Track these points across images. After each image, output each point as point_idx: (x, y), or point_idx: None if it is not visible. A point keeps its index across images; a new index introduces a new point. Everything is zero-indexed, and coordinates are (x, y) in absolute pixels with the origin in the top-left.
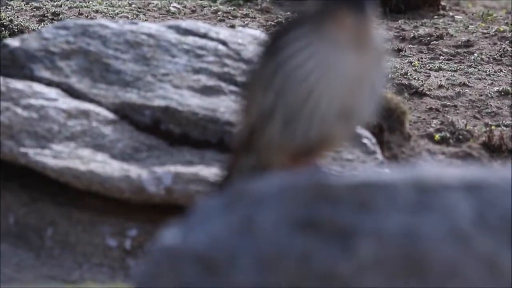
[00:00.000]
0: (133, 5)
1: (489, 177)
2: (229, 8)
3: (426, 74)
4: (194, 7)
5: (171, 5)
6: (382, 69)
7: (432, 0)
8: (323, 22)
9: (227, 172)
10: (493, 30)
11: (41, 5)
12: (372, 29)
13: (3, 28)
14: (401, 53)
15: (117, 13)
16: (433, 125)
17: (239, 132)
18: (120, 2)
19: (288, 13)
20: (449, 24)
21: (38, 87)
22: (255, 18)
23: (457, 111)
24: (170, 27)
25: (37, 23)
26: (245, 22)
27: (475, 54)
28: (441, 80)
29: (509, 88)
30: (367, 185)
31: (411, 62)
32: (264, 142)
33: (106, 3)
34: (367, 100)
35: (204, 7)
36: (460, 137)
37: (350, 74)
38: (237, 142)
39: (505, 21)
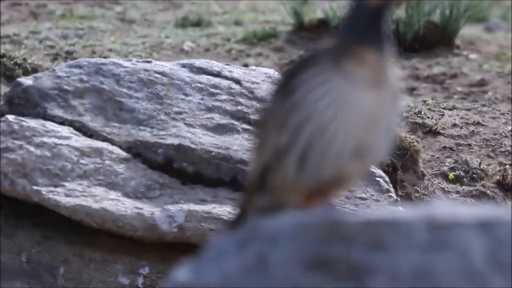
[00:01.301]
0: (146, 44)
1: (503, 215)
2: (243, 47)
3: (440, 113)
4: (207, 45)
5: (185, 43)
6: (398, 108)
7: (447, 39)
8: (340, 59)
9: (241, 210)
10: (507, 69)
11: (55, 44)
12: (389, 67)
13: (17, 67)
14: (415, 91)
15: (131, 52)
16: (447, 163)
17: (252, 170)
18: (133, 40)
19: (302, 51)
20: (463, 63)
21: (51, 125)
22: (268, 56)
23: (471, 150)
24: (183, 65)
25: (50, 61)
26: (259, 61)
27: (489, 93)
28: (455, 119)
29: None
30: (380, 223)
31: (425, 101)
32: (278, 180)
33: (120, 42)
34: (383, 139)
35: (218, 45)
36: (474, 176)
37: (366, 112)
38: (251, 180)
39: None
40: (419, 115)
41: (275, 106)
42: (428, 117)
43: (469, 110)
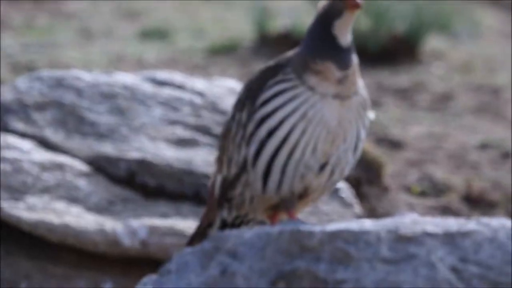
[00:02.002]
0: (107, 56)
1: (467, 227)
2: (205, 58)
3: (405, 126)
4: (169, 57)
5: (146, 55)
6: (363, 121)
7: (411, 50)
8: (303, 73)
9: (204, 224)
10: (473, 80)
11: (15, 56)
12: (353, 80)
13: None
14: (379, 104)
15: (91, 64)
16: (412, 177)
17: (215, 184)
18: (94, 52)
19: (265, 64)
20: (428, 74)
21: (12, 139)
22: (231, 68)
23: (436, 163)
24: (145, 78)
25: (10, 74)
26: (222, 73)
27: (455, 105)
28: (420, 132)
29: (488, 140)
30: (345, 236)
31: (389, 114)
32: (242, 194)
33: (80, 53)
34: (348, 153)
35: (180, 57)
36: (439, 189)
37: (331, 126)
38: (214, 194)
39: (485, 71)
40: (383, 128)
41: (239, 119)
42: (393, 130)
43: (434, 122)
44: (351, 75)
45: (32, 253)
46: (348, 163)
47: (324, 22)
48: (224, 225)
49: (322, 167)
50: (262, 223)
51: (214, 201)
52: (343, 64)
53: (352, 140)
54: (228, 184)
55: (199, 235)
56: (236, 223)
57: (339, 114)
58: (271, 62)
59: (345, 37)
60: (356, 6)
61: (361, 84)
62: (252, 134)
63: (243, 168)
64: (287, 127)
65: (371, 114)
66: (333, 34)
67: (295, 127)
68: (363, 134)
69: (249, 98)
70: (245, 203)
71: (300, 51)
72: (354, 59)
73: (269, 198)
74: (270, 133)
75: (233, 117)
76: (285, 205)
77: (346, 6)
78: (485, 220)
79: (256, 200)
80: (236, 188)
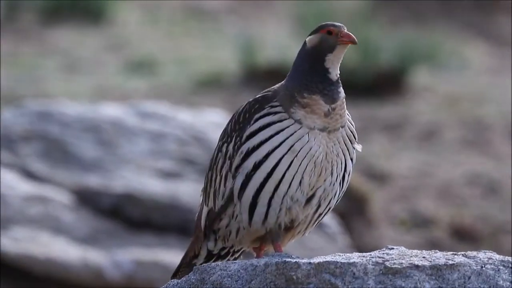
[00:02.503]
0: (92, 87)
1: (454, 259)
2: (191, 89)
3: (391, 159)
4: (154, 88)
5: (131, 86)
6: (351, 154)
7: (398, 83)
8: (292, 107)
9: (189, 255)
10: (459, 114)
11: None
12: (342, 113)
13: None
14: (366, 138)
15: (76, 95)
16: (398, 210)
17: (201, 215)
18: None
19: (252, 96)
20: (415, 107)
21: None
22: (218, 101)
23: (424, 196)
24: (130, 110)
25: None
26: (207, 104)
27: (442, 139)
28: (407, 165)
29: (475, 173)
30: (331, 269)
31: (376, 147)
32: (228, 225)
33: (65, 85)
34: (335, 186)
35: (165, 88)
36: (426, 223)
37: (319, 159)
38: (199, 225)
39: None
40: (370, 161)
41: (226, 151)
42: (380, 163)
43: (420, 155)
44: (338, 109)
45: (19, 285)
46: (335, 196)
47: (316, 56)
48: (210, 256)
49: (309, 200)
50: (248, 255)
51: (200, 232)
52: (331, 97)
53: (339, 173)
54: (215, 216)
55: (185, 267)
56: (222, 254)
57: (326, 147)
58: (258, 95)
59: (336, 71)
60: (352, 41)
61: (348, 117)
62: (239, 166)
63: (229, 200)
64: (273, 160)
65: (359, 147)
66: (325, 68)
67: (282, 160)
68: (350, 166)
69: (236, 130)
70: (231, 234)
71: (287, 84)
72: (342, 92)
73: (255, 230)
74: (257, 166)
75: (219, 149)
76: (271, 237)
77: (341, 41)
78: (472, 253)
79: (243, 232)
80: (223, 219)
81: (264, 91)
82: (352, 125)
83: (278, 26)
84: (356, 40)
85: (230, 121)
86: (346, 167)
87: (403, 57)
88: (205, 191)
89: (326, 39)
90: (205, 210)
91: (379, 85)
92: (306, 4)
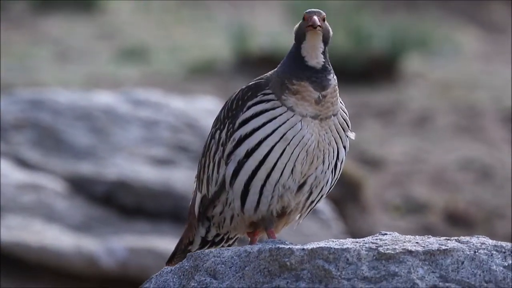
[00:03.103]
0: (84, 75)
1: (448, 245)
2: (184, 76)
3: (385, 145)
4: (147, 76)
5: (123, 74)
6: (343, 142)
7: (391, 70)
8: (284, 94)
9: (183, 242)
10: (451, 100)
11: None
12: (333, 101)
13: None
14: (359, 124)
15: (68, 83)
16: (392, 196)
17: (195, 202)
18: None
19: (247, 84)
20: (408, 94)
21: None
22: (211, 88)
23: (417, 182)
24: (122, 98)
25: None
26: (200, 91)
27: (434, 125)
28: (400, 151)
29: (468, 158)
30: (325, 254)
31: (370, 133)
32: (222, 212)
33: (58, 73)
34: (328, 172)
35: (157, 76)
36: (420, 208)
37: (311, 147)
38: (193, 212)
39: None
40: (363, 147)
41: (219, 138)
42: (373, 150)
43: (413, 141)
44: (329, 96)
45: (11, 273)
46: (327, 183)
47: (296, 44)
48: (204, 243)
49: (300, 187)
50: (241, 241)
51: (194, 219)
52: (320, 84)
53: (331, 161)
54: (208, 203)
55: (179, 254)
56: (217, 241)
57: (319, 135)
58: (251, 82)
59: (314, 59)
60: (312, 25)
61: (341, 105)
62: (231, 153)
63: (222, 186)
64: (266, 148)
65: (352, 135)
66: (301, 56)
67: (274, 148)
68: (343, 154)
69: (228, 117)
70: (225, 221)
71: (278, 71)
72: (333, 80)
73: (248, 217)
74: (249, 153)
75: (212, 135)
76: (264, 224)
77: (306, 28)
78: (466, 238)
79: (237, 219)
80: (217, 206)
81: (257, 78)
82: (345, 113)
83: (270, 13)
84: (316, 23)
85: (223, 108)
86: (338, 155)
87: (396, 44)
88: (199, 177)
89: (300, 26)
90: (198, 196)
91: (371, 71)
92: None
